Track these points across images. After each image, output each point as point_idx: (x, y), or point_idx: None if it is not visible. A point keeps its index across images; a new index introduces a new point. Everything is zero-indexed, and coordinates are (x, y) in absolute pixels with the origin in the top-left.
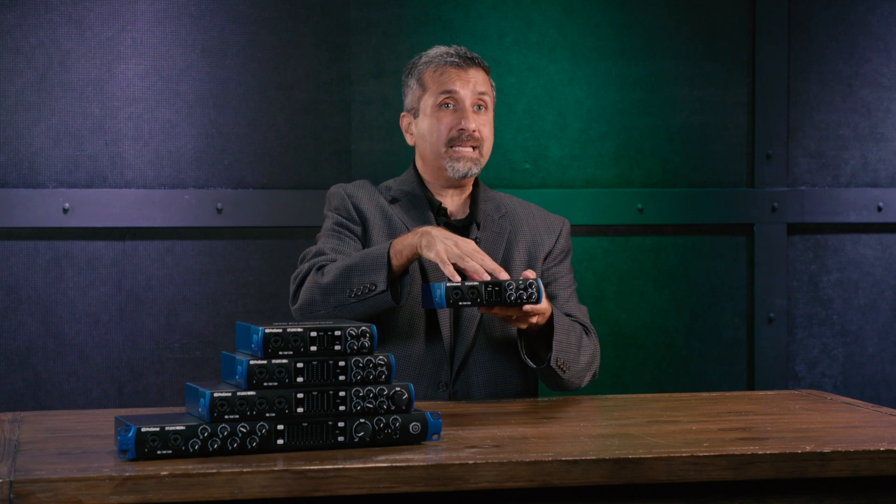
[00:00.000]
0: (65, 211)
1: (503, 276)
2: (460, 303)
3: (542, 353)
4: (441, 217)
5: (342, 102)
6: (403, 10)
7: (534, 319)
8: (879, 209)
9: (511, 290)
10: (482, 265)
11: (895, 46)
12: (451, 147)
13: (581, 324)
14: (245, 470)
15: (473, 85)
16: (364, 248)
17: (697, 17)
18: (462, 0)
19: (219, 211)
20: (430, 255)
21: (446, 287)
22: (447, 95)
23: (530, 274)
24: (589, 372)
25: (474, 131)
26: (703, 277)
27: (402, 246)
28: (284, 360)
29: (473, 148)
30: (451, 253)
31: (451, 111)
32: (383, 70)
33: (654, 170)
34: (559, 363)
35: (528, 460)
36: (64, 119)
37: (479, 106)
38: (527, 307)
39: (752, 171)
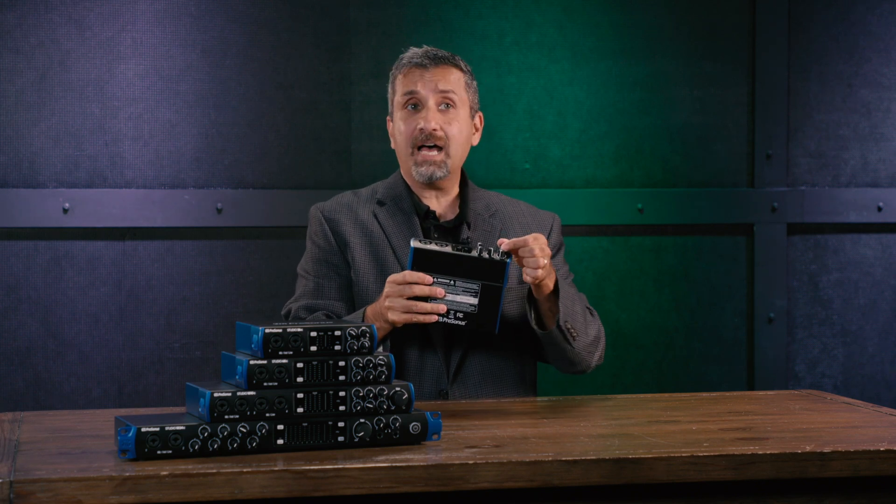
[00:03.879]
0: (65, 211)
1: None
2: (429, 249)
3: (549, 324)
4: (430, 220)
5: (342, 102)
6: (403, 10)
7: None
8: (879, 209)
9: (478, 250)
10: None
11: (895, 46)
12: (418, 150)
13: None
14: (245, 470)
15: (436, 84)
16: (347, 270)
17: (697, 17)
18: (462, 0)
19: (219, 211)
20: (397, 319)
21: (414, 249)
22: (410, 96)
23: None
24: (596, 350)
25: (435, 130)
26: (703, 277)
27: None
28: (284, 360)
29: (439, 149)
30: (399, 302)
31: (414, 112)
32: (383, 70)
33: (654, 170)
34: (567, 326)
35: (528, 460)
36: (64, 119)
37: (447, 104)
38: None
39: (752, 171)
